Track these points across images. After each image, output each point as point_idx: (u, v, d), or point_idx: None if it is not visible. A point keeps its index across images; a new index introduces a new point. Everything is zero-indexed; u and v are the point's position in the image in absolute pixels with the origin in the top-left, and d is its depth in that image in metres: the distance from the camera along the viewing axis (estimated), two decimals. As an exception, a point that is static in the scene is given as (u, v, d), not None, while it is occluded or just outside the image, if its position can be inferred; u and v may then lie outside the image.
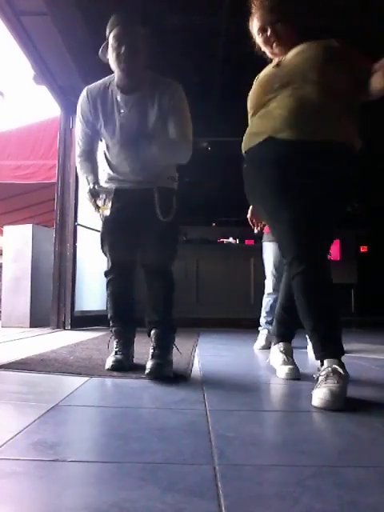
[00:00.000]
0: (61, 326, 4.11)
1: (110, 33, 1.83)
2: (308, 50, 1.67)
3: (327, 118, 1.58)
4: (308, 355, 2.80)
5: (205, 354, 2.64)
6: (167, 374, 1.72)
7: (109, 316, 2.06)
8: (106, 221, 1.98)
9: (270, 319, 3.19)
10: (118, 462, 0.91)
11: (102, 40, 1.85)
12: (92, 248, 4.50)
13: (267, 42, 1.76)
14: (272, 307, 3.17)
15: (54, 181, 4.35)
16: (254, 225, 2.66)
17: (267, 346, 3.07)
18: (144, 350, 2.08)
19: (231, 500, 0.74)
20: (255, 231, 2.70)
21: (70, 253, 4.16)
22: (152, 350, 1.83)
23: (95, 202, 1.88)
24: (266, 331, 3.19)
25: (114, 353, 1.96)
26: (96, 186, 1.89)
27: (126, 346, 1.99)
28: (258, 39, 1.79)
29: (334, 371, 1.42)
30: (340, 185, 1.60)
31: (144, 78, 1.85)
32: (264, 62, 1.82)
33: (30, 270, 4.40)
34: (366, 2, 3.17)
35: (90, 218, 4.43)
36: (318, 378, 1.45)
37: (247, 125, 1.78)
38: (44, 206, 6.36)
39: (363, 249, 7.20)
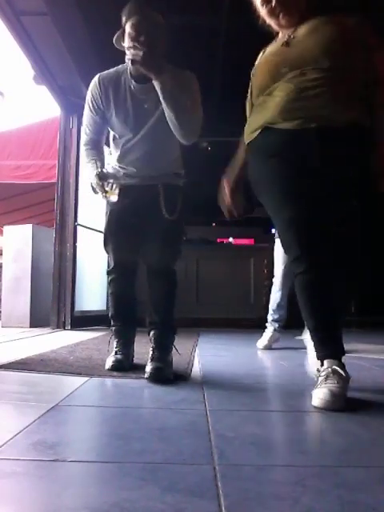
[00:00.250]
0: (61, 326, 4.11)
1: (126, 21, 1.75)
2: (321, 30, 1.53)
3: (333, 104, 1.48)
4: (308, 355, 2.81)
5: (205, 354, 2.64)
6: (167, 376, 1.72)
7: (110, 315, 2.06)
8: (110, 220, 1.96)
9: (276, 317, 3.16)
10: (118, 462, 0.91)
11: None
12: (92, 248, 4.51)
13: (272, 13, 1.60)
14: (279, 305, 3.15)
15: (54, 181, 4.35)
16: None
17: (269, 346, 3.06)
18: (144, 350, 2.08)
19: (231, 500, 0.74)
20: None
21: (69, 253, 4.16)
22: (151, 352, 1.82)
23: (103, 186, 1.80)
24: (272, 329, 3.14)
25: (114, 352, 1.96)
26: (104, 170, 1.84)
27: (126, 345, 1.99)
28: (262, 11, 1.63)
29: (334, 372, 1.42)
30: (344, 182, 1.51)
31: (163, 64, 1.75)
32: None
33: (29, 270, 4.40)
34: (365, 2, 3.17)
35: (90, 217, 4.44)
36: (318, 379, 1.45)
37: (246, 121, 1.71)
38: (44, 205, 6.36)
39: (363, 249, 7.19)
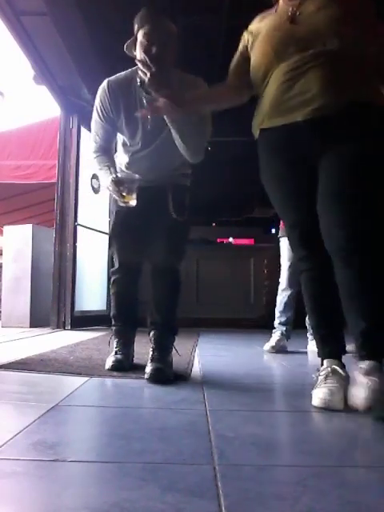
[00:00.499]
0: (61, 325, 4.11)
1: (139, 29, 1.71)
2: (329, 6, 1.41)
3: (330, 87, 1.38)
4: (308, 355, 2.81)
5: (205, 354, 2.64)
6: (167, 377, 1.72)
7: (111, 314, 2.06)
8: (116, 221, 1.95)
9: (284, 319, 3.02)
10: (119, 462, 0.91)
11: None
12: (92, 248, 4.51)
13: None
14: (286, 305, 3.02)
15: (54, 181, 4.35)
16: None
17: (278, 349, 2.88)
18: (144, 350, 2.08)
19: (231, 500, 0.74)
20: None
21: (69, 253, 4.16)
22: (151, 352, 1.82)
23: (120, 191, 1.77)
24: (279, 333, 2.97)
25: (114, 352, 1.96)
26: (119, 175, 1.81)
27: (126, 345, 1.99)
28: None
29: (334, 371, 1.42)
30: (351, 166, 1.37)
31: (172, 78, 1.73)
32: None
33: (30, 270, 4.40)
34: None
35: (90, 217, 4.45)
36: (317, 378, 1.45)
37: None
38: (44, 205, 6.36)
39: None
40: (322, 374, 1.44)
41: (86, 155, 4.32)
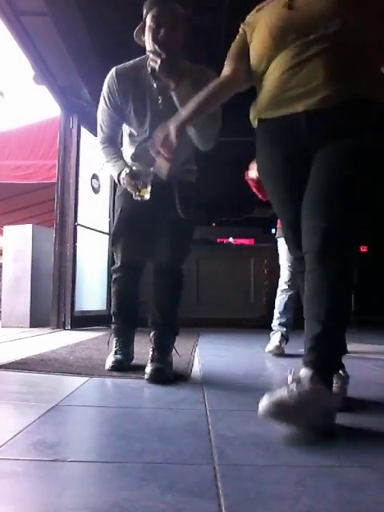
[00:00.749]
0: (61, 325, 4.11)
1: (147, 13, 1.70)
2: None
3: (330, 79, 1.30)
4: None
5: (205, 354, 2.64)
6: (167, 377, 1.72)
7: (111, 312, 2.05)
8: (120, 218, 1.92)
9: (284, 320, 2.92)
10: (119, 462, 0.91)
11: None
12: (92, 248, 4.51)
13: None
14: (286, 305, 2.94)
15: (54, 181, 4.35)
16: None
17: (282, 351, 2.77)
18: (144, 350, 2.08)
19: (231, 500, 0.74)
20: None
21: (69, 253, 4.16)
22: (151, 352, 1.82)
23: (136, 185, 1.73)
24: (279, 334, 2.86)
25: (113, 352, 1.96)
26: (134, 168, 1.77)
27: (125, 344, 1.98)
28: None
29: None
30: (347, 162, 1.30)
31: (182, 65, 1.71)
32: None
33: (30, 270, 4.40)
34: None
35: (90, 217, 4.45)
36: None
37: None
38: (44, 205, 6.36)
39: (363, 249, 7.21)
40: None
41: (86, 155, 4.32)
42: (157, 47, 1.64)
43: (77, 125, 4.26)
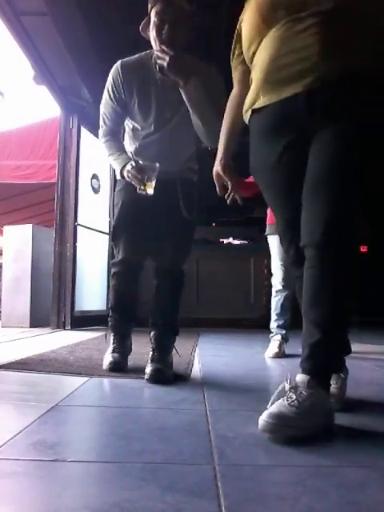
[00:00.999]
0: (61, 325, 4.11)
1: (152, 8, 1.70)
2: None
3: (324, 57, 1.20)
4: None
5: (205, 354, 2.64)
6: (167, 377, 1.71)
7: (109, 306, 2.05)
8: (121, 213, 1.90)
9: (281, 322, 2.83)
10: (119, 462, 0.91)
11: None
12: (92, 248, 4.52)
13: None
14: (283, 306, 2.83)
15: (54, 181, 4.35)
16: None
17: (282, 353, 2.70)
18: (144, 350, 2.07)
19: (231, 500, 0.74)
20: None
21: (69, 253, 4.16)
22: (151, 353, 1.82)
23: (140, 178, 1.71)
24: (279, 337, 2.78)
25: (111, 349, 1.94)
26: (139, 161, 1.75)
27: (122, 340, 1.96)
28: None
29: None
30: (346, 152, 1.20)
31: (188, 61, 1.69)
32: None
33: (30, 270, 4.40)
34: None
35: (90, 217, 4.45)
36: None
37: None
38: (44, 205, 6.36)
39: (363, 249, 7.20)
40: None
41: (86, 155, 4.32)
42: (163, 46, 1.64)
43: (77, 125, 4.26)
